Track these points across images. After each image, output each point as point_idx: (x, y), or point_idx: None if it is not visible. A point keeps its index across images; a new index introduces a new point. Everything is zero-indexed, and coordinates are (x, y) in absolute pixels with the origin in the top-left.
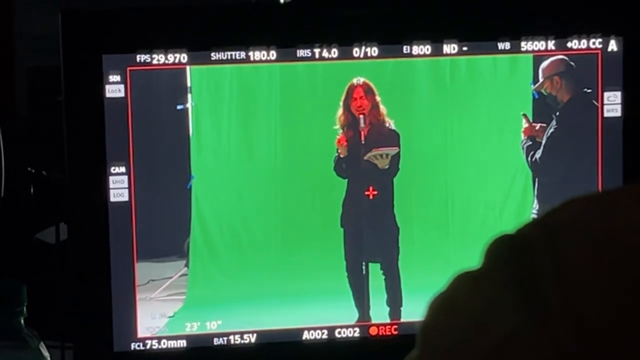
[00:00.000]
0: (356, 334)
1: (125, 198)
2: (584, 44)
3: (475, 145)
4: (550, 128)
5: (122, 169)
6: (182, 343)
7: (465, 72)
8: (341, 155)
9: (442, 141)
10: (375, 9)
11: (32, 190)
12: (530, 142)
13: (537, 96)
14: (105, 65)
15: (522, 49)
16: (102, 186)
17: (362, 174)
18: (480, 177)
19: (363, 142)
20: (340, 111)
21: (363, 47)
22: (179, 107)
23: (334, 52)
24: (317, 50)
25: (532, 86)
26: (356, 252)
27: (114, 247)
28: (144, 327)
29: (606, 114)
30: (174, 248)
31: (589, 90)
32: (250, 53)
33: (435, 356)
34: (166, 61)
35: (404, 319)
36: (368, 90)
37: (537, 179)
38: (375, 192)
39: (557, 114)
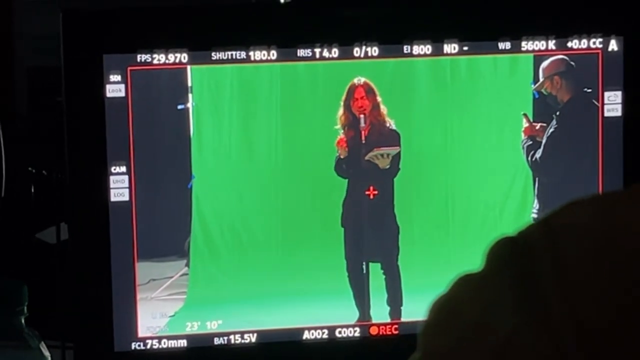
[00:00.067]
0: (357, 334)
1: (126, 198)
2: (584, 43)
3: (476, 145)
4: (551, 128)
5: (123, 169)
6: (183, 343)
7: (465, 71)
8: (341, 157)
9: (443, 141)
10: (375, 9)
11: (32, 190)
12: (531, 142)
13: (537, 96)
14: (105, 65)
15: (523, 49)
16: (103, 186)
17: (362, 174)
18: (480, 177)
19: (364, 142)
20: (341, 111)
21: (363, 47)
22: (179, 106)
23: (335, 52)
24: (317, 50)
25: (532, 86)
26: (356, 252)
27: (115, 246)
28: (145, 326)
29: (607, 114)
30: (174, 248)
31: (589, 90)
32: (251, 53)
33: (436, 357)
34: (167, 61)
35: (404, 318)
36: (369, 90)
37: (537, 179)
38: (376, 192)
39: (558, 113)
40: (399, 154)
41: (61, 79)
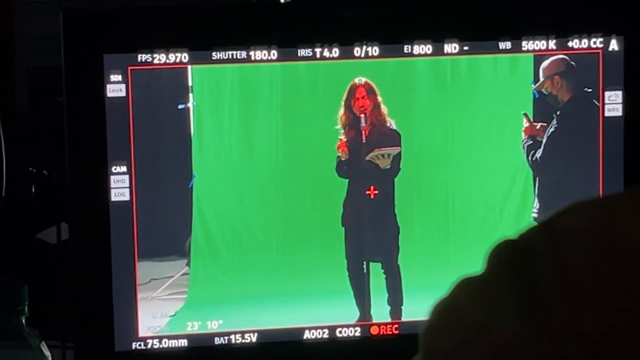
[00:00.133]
0: (357, 334)
1: (127, 197)
2: (585, 43)
3: (476, 145)
4: (551, 127)
5: (123, 169)
6: (183, 342)
7: (465, 71)
8: (342, 159)
9: (443, 141)
10: (376, 9)
11: (33, 190)
12: (531, 142)
13: (537, 96)
14: (106, 64)
15: (523, 49)
16: (103, 186)
17: (363, 174)
18: (480, 177)
19: (364, 142)
20: (341, 111)
21: (364, 47)
22: (180, 106)
23: (335, 52)
24: (318, 50)
25: (532, 86)
26: (357, 252)
27: (115, 246)
28: (145, 326)
29: (607, 114)
30: (175, 247)
31: (590, 90)
32: (251, 52)
33: (438, 358)
34: (167, 61)
35: (404, 318)
36: (370, 90)
37: (537, 179)
38: (377, 192)
39: (558, 113)
40: (399, 154)
41: (61, 79)
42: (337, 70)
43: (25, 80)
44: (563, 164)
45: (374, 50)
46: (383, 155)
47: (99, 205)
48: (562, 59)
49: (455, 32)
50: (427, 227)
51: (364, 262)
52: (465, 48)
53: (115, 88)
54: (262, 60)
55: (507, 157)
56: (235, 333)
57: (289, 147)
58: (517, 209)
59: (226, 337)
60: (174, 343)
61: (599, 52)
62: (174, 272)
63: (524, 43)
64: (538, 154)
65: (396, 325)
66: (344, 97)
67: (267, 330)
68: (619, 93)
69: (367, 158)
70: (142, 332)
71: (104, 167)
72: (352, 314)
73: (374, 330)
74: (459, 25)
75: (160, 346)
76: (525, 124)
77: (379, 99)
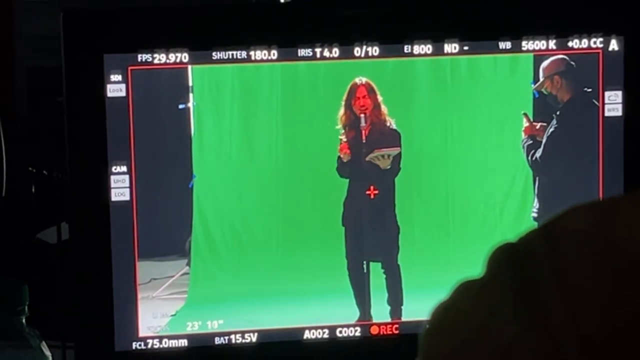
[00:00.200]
0: (357, 333)
1: (127, 197)
2: (584, 43)
3: (476, 145)
4: (551, 127)
5: (124, 169)
6: (184, 342)
7: (465, 71)
8: (344, 160)
9: (443, 140)
10: (376, 9)
11: (33, 190)
12: (531, 141)
13: (537, 95)
14: (106, 64)
15: (523, 49)
16: (104, 186)
17: (363, 174)
18: (480, 177)
19: (364, 142)
20: (342, 110)
21: (364, 47)
22: (180, 106)
23: (335, 52)
24: (318, 50)
25: (532, 85)
26: (357, 251)
27: (115, 246)
28: (145, 326)
29: (607, 114)
30: (175, 247)
31: (590, 90)
32: (252, 52)
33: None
34: (167, 61)
35: (405, 318)
36: (370, 90)
37: (537, 178)
38: (377, 192)
39: (558, 113)
40: (399, 154)
41: (61, 79)
42: (337, 70)
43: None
44: (563, 164)
45: (374, 50)
46: (383, 156)
47: (99, 205)
48: (562, 59)
49: (455, 32)
50: (427, 227)
51: (364, 262)
52: (465, 48)
53: (116, 88)
54: (262, 60)
55: (507, 157)
56: (235, 333)
57: (289, 147)
58: (517, 209)
59: (226, 337)
60: (174, 343)
61: (599, 52)
62: (174, 272)
63: (524, 43)
64: (538, 154)
65: (396, 325)
66: (345, 97)
67: (267, 330)
68: (619, 93)
69: (367, 159)
70: (142, 332)
71: (104, 167)
72: (352, 313)
73: (374, 330)
74: (459, 25)
75: (161, 346)
76: (525, 123)
77: (380, 98)
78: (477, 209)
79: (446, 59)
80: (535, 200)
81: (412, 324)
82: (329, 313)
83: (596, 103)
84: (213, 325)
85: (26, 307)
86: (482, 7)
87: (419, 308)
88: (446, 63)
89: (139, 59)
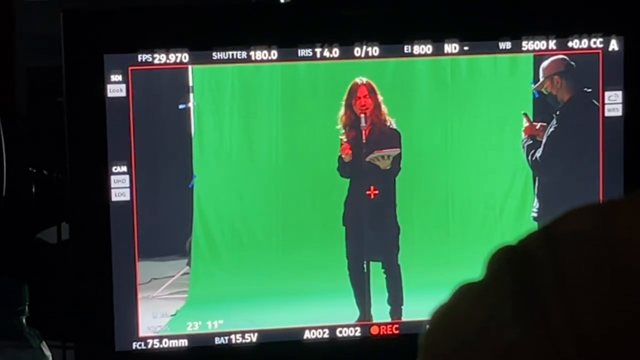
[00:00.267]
0: (357, 333)
1: (127, 197)
2: (584, 43)
3: (476, 145)
4: (551, 127)
5: (124, 169)
6: (184, 342)
7: (465, 71)
8: (345, 160)
9: (443, 140)
10: (376, 9)
11: (33, 190)
12: (531, 141)
13: (537, 95)
14: (106, 64)
15: (523, 49)
16: (104, 186)
17: (363, 174)
18: (480, 177)
19: (364, 142)
20: (342, 110)
21: (364, 47)
22: (180, 106)
23: (335, 52)
24: (318, 50)
25: (532, 85)
26: (357, 251)
27: (116, 246)
28: (146, 326)
29: (607, 114)
30: (175, 247)
31: (589, 90)
32: (252, 53)
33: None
34: (167, 61)
35: (405, 318)
36: (371, 90)
37: (537, 178)
38: (377, 192)
39: (558, 113)
40: (399, 154)
41: (61, 79)
42: (337, 70)
43: (25, 80)
44: (563, 164)
45: (374, 50)
46: (383, 157)
47: (99, 205)
48: (562, 59)
49: (455, 32)
50: (427, 227)
51: (364, 262)
52: (465, 48)
53: (116, 88)
54: (262, 60)
55: (507, 157)
56: (235, 333)
57: (289, 147)
58: (517, 208)
59: (226, 337)
60: (174, 343)
61: (598, 52)
62: (175, 271)
63: (524, 43)
64: (538, 154)
65: (396, 325)
66: (345, 97)
67: (267, 330)
68: (619, 93)
69: (367, 159)
70: (143, 332)
71: (104, 167)
72: (352, 313)
73: (374, 330)
74: (459, 25)
75: (161, 346)
76: (525, 123)
77: (380, 98)
78: (477, 209)
79: (446, 59)
80: (535, 200)
81: (412, 324)
82: (329, 313)
83: (596, 103)
84: (213, 325)
85: (26, 307)
86: (482, 7)
87: (419, 308)
88: (446, 63)
89: (139, 59)
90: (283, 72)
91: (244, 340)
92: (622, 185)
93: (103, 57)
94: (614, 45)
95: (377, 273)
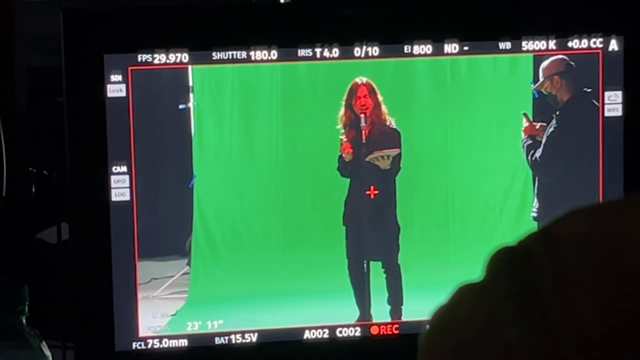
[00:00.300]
0: (357, 333)
1: (127, 197)
2: (584, 43)
3: (476, 145)
4: (551, 127)
5: (124, 169)
6: (184, 342)
7: (465, 71)
8: (346, 160)
9: (443, 140)
10: (375, 9)
11: (33, 190)
12: (531, 141)
13: (537, 95)
14: (106, 64)
15: (523, 49)
16: (104, 186)
17: (363, 174)
18: (480, 176)
19: (364, 142)
20: (342, 110)
21: (364, 47)
22: (180, 106)
23: (335, 52)
24: (318, 50)
25: (532, 85)
26: (357, 251)
27: (116, 246)
28: (146, 326)
29: (607, 114)
30: (175, 247)
31: (589, 90)
32: (252, 53)
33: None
34: (167, 61)
35: (405, 318)
36: (371, 90)
37: (537, 178)
38: (377, 192)
39: (557, 113)
40: (399, 154)
41: (61, 79)
42: (337, 70)
43: (25, 80)
44: (563, 164)
45: (374, 50)
46: (383, 157)
47: (99, 205)
48: (562, 59)
49: (455, 32)
50: (427, 226)
51: (364, 262)
52: (465, 48)
53: (116, 88)
54: (262, 60)
55: (507, 157)
56: (235, 333)
57: (289, 147)
58: (517, 208)
59: (226, 337)
60: (174, 343)
61: (598, 52)
62: (175, 271)
63: (523, 43)
64: (538, 154)
65: (396, 325)
66: (345, 97)
67: (267, 330)
68: (619, 93)
69: (367, 159)
70: (143, 332)
71: (104, 167)
72: (352, 313)
73: (374, 330)
74: (459, 25)
75: (161, 346)
76: (525, 123)
77: (380, 98)
78: (477, 209)
79: (446, 59)
80: (535, 200)
81: (412, 324)
82: (329, 313)
83: (596, 103)
84: (213, 325)
85: (26, 307)
86: (482, 7)
87: (419, 308)
88: (446, 63)
89: (139, 59)
90: (283, 72)
91: (244, 340)
92: (622, 185)
93: (103, 57)
94: (613, 45)
95: (377, 273)
